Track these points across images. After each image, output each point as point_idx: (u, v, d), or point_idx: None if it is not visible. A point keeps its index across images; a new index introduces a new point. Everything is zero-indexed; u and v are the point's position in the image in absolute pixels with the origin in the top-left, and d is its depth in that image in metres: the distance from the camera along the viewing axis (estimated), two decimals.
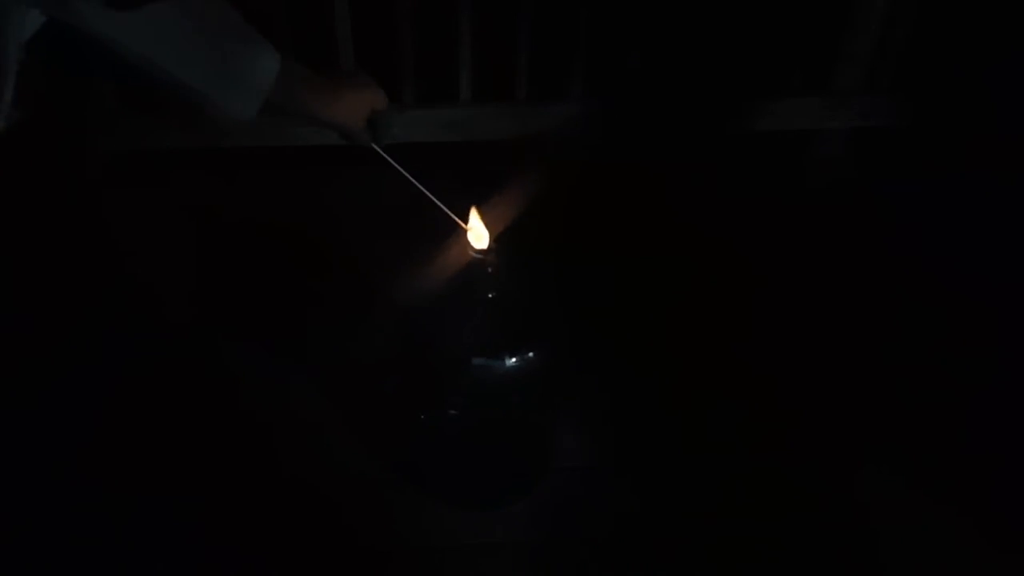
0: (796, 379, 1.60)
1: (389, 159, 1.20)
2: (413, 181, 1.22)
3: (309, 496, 1.41)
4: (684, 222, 1.89)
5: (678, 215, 1.91)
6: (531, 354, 1.29)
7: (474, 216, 1.25)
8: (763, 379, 1.60)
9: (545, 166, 1.89)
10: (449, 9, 1.81)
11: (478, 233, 1.25)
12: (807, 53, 1.98)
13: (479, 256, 1.25)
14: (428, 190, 1.23)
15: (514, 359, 1.28)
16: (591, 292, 1.70)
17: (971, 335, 1.69)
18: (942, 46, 1.94)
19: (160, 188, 1.94)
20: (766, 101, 2.00)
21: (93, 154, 1.93)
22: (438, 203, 1.24)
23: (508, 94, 1.94)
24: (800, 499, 1.44)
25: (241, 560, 1.33)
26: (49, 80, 1.73)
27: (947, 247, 1.84)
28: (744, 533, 1.39)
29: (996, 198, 1.88)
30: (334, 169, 1.90)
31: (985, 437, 1.51)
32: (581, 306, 1.64)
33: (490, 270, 1.26)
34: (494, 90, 1.94)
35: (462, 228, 1.25)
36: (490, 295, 1.28)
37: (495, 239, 1.26)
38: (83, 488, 1.40)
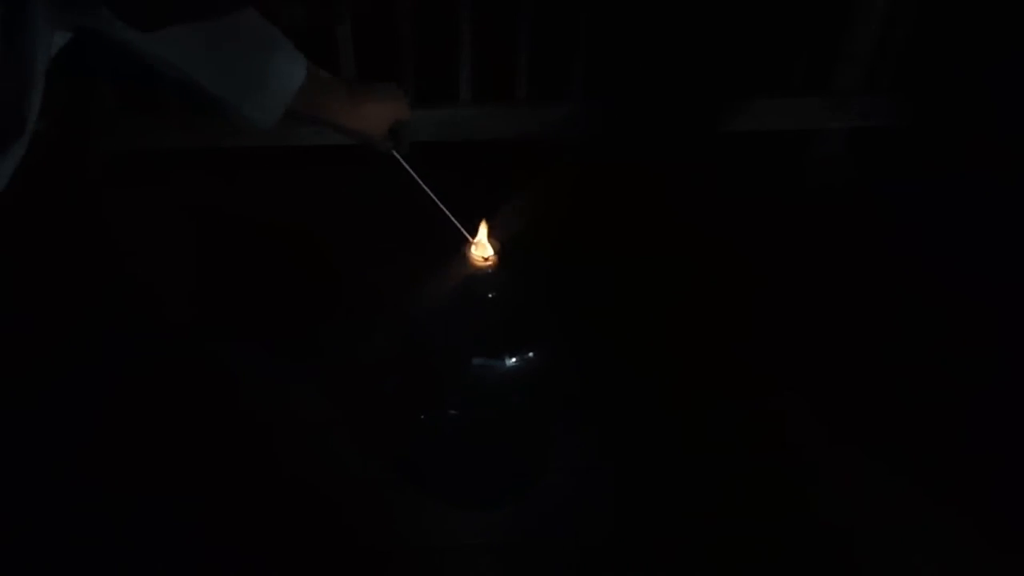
0: (796, 379, 1.60)
1: (408, 167, 1.20)
2: (427, 190, 1.22)
3: (309, 496, 1.41)
4: (684, 222, 1.90)
5: (678, 215, 1.91)
6: (531, 354, 1.29)
7: (483, 231, 1.26)
8: (763, 379, 1.60)
9: (545, 166, 1.89)
10: (449, 9, 1.81)
11: (483, 247, 1.26)
12: (807, 53, 1.98)
13: (481, 268, 1.25)
14: (427, 191, 1.23)
15: (514, 359, 1.28)
16: (591, 292, 1.70)
17: (971, 335, 1.69)
18: (942, 46, 1.94)
19: (160, 188, 1.94)
20: (766, 101, 2.00)
21: (93, 154, 1.93)
22: (448, 213, 1.24)
23: (508, 94, 1.95)
24: (800, 499, 1.44)
25: (241, 560, 1.33)
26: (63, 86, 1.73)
27: (947, 247, 1.84)
28: (744, 533, 1.39)
29: (996, 198, 1.88)
30: (334, 169, 1.90)
31: (985, 437, 1.51)
32: (581, 306, 1.64)
33: (490, 270, 1.27)
34: (494, 90, 1.94)
35: (468, 239, 1.26)
36: (490, 295, 1.28)
37: (498, 250, 1.26)
38: (83, 488, 1.40)
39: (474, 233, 1.26)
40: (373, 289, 1.68)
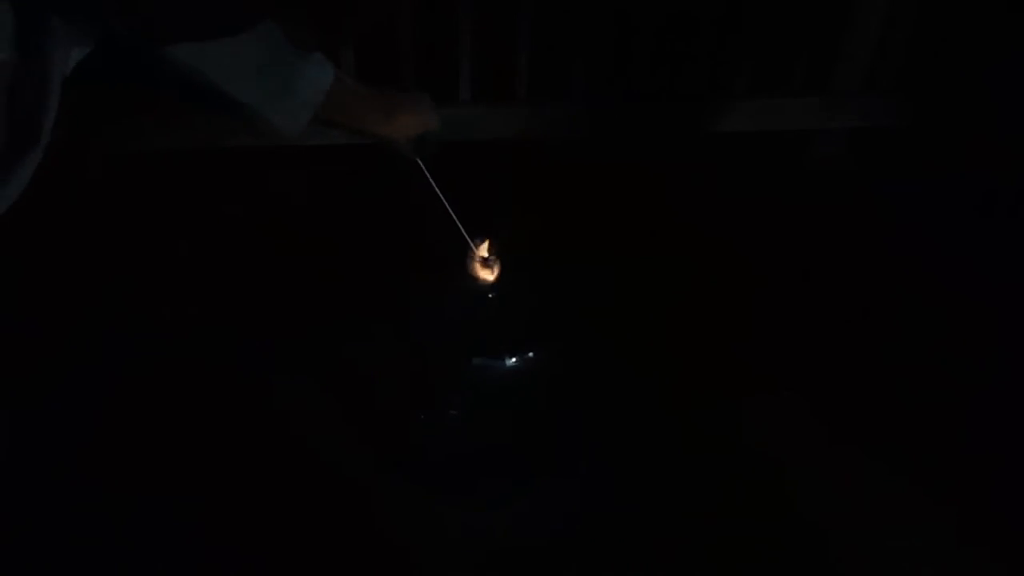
0: (796, 379, 1.60)
1: (428, 174, 1.21)
2: (441, 197, 1.22)
3: (309, 496, 1.41)
4: (684, 222, 1.90)
5: (678, 215, 1.91)
6: (531, 354, 1.29)
7: (484, 248, 1.26)
8: (763, 379, 1.60)
9: (545, 166, 1.89)
10: (449, 9, 1.81)
11: (485, 248, 1.26)
12: (807, 53, 1.98)
13: (481, 269, 1.26)
14: (441, 198, 1.23)
15: (514, 359, 1.28)
16: (591, 292, 1.70)
17: (971, 335, 1.69)
18: (942, 46, 1.94)
19: (160, 188, 1.94)
20: (766, 101, 2.00)
21: (93, 154, 1.93)
22: (456, 221, 1.24)
23: (508, 94, 1.94)
24: (800, 499, 1.44)
25: (241, 560, 1.33)
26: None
27: (947, 247, 1.84)
28: (744, 533, 1.39)
29: (996, 198, 1.88)
30: (334, 169, 1.90)
31: (985, 437, 1.51)
32: (581, 306, 1.64)
33: (490, 271, 1.27)
34: (494, 90, 1.94)
35: (472, 248, 1.26)
36: (490, 295, 1.28)
37: (499, 251, 1.26)
38: (83, 488, 1.40)
39: (478, 241, 1.26)
40: (373, 289, 1.68)
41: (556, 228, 1.74)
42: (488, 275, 1.26)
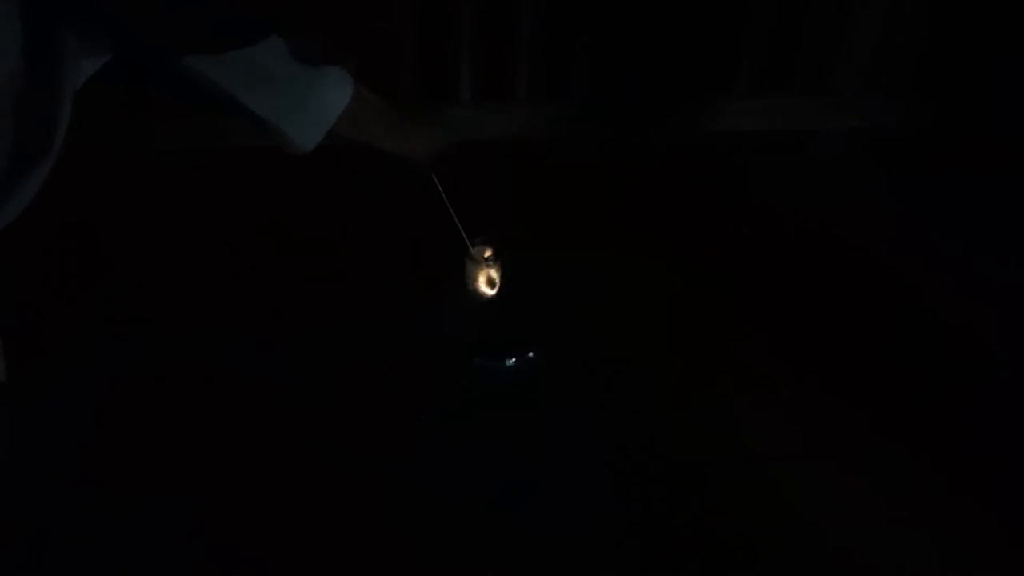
0: (796, 379, 1.60)
1: (440, 189, 1.21)
2: (452, 211, 1.22)
3: (309, 496, 1.41)
4: (684, 222, 1.90)
5: (678, 215, 1.91)
6: (531, 354, 1.29)
7: (486, 251, 1.26)
8: (763, 379, 1.60)
9: (545, 166, 1.89)
10: (449, 9, 1.81)
11: (484, 260, 1.26)
12: (807, 53, 1.98)
13: (482, 269, 1.26)
14: (449, 208, 1.23)
15: (514, 359, 1.28)
16: (591, 292, 1.70)
17: (971, 335, 1.69)
18: (941, 46, 1.94)
19: (160, 188, 1.94)
20: (767, 101, 2.00)
21: (95, 154, 1.93)
22: (460, 228, 1.24)
23: (508, 94, 1.95)
24: (800, 499, 1.44)
25: (241, 560, 1.33)
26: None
27: (947, 247, 1.84)
28: (744, 533, 1.39)
29: (996, 198, 1.88)
30: (334, 169, 1.90)
31: (985, 437, 1.51)
32: (581, 306, 1.64)
33: (491, 271, 1.27)
34: (494, 90, 1.94)
35: (471, 251, 1.26)
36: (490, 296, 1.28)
37: (498, 251, 1.27)
38: (83, 488, 1.40)
39: (478, 242, 1.27)
40: (373, 289, 1.68)
41: (556, 228, 1.73)
42: (487, 280, 1.26)
